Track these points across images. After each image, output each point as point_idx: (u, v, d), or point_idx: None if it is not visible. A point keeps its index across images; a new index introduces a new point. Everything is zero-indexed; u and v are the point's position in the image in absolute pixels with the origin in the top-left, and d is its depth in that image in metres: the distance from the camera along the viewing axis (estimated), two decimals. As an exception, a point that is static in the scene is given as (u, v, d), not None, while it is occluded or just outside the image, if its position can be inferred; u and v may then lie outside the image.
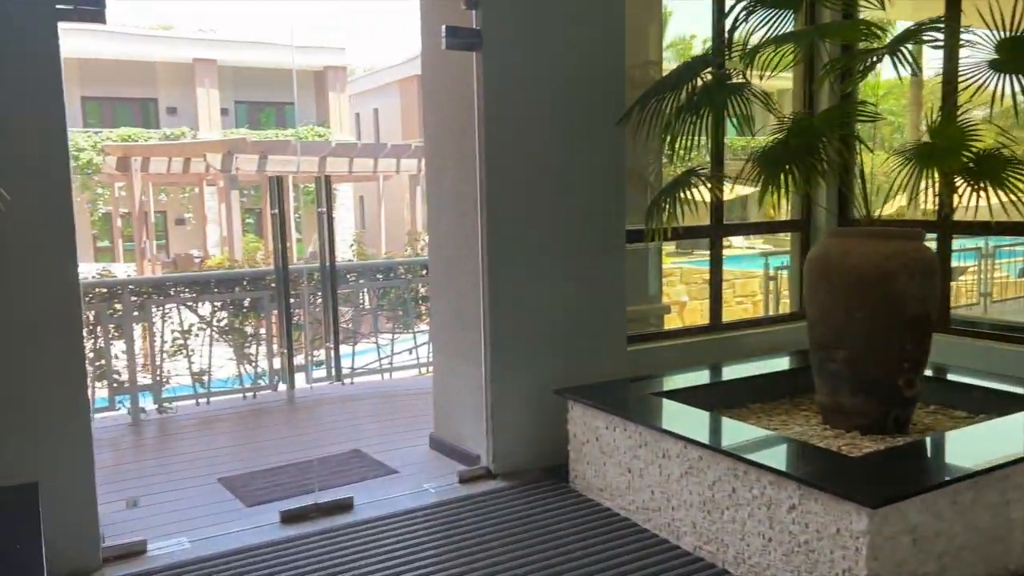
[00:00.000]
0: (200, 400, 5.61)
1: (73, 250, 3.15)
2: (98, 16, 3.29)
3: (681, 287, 9.21)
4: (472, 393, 4.21)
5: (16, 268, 3.04)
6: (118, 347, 5.35)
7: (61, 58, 3.28)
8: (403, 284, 6.28)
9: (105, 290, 5.24)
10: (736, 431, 3.51)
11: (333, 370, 5.32)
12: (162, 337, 5.43)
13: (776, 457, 3.16)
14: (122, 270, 13.64)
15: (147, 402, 5.42)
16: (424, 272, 6.40)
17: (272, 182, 3.88)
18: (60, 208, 3.13)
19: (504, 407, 4.10)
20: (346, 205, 28.36)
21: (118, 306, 5.30)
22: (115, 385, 5.26)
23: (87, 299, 5.26)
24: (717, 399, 4.09)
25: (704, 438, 3.26)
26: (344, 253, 23.99)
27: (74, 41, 23.39)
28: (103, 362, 5.21)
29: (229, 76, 26.14)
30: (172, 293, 5.49)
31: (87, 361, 5.39)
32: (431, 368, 6.59)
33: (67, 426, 3.15)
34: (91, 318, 5.27)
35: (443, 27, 3.89)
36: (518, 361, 4.11)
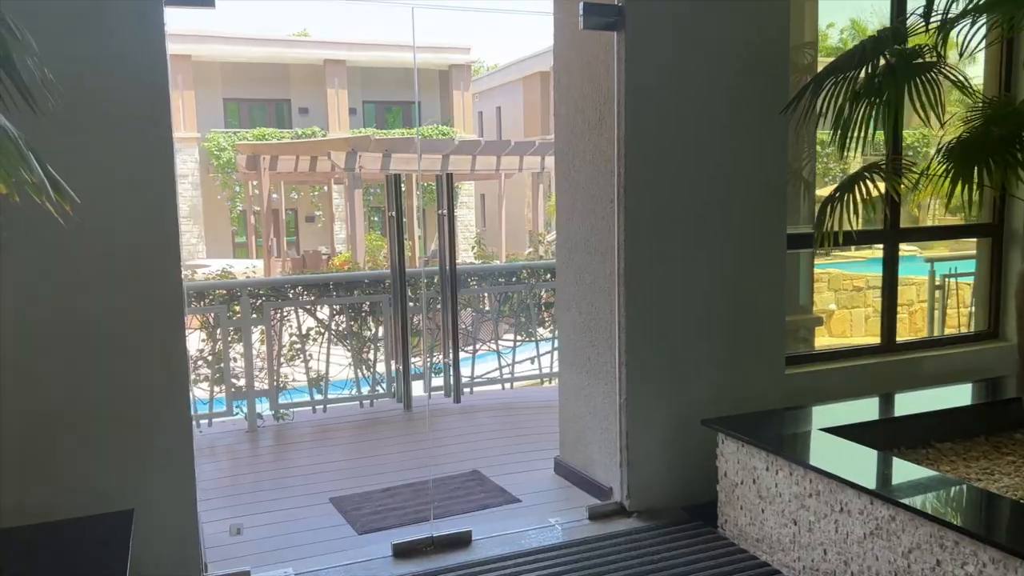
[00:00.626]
0: (316, 407, 5.41)
1: (177, 252, 2.91)
2: (207, 0, 3.03)
3: (829, 294, 8.38)
4: (603, 417, 3.75)
5: (118, 271, 2.81)
6: (236, 350, 5.21)
7: (167, 49, 3.03)
8: (526, 289, 5.88)
9: (225, 292, 5.12)
10: (935, 484, 2.87)
11: (452, 390, 4.96)
12: (279, 341, 5.26)
13: (997, 524, 2.52)
14: (246, 266, 14.01)
15: (264, 407, 5.26)
16: (548, 276, 5.98)
17: (389, 180, 3.54)
18: (163, 208, 2.89)
19: (641, 435, 3.61)
20: (467, 203, 28.44)
21: (237, 308, 5.15)
22: (233, 390, 5.11)
23: (207, 300, 5.14)
24: (898, 436, 3.44)
25: (896, 494, 2.66)
26: (465, 255, 24.05)
27: (217, 46, 24.50)
28: (222, 365, 5.08)
29: (358, 76, 26.70)
30: (291, 296, 5.31)
31: (206, 364, 5.32)
32: (555, 380, 6.17)
33: (168, 447, 2.91)
34: (211, 320, 5.14)
35: (580, 4, 3.43)
36: (658, 383, 3.61)
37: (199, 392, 5.12)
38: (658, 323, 3.59)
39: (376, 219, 26.62)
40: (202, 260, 18.38)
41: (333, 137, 9.20)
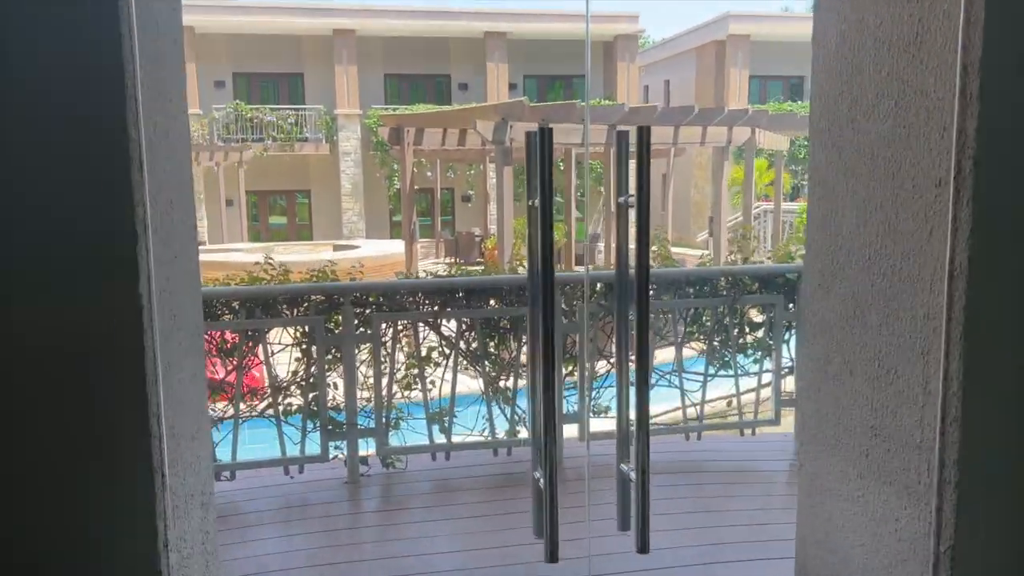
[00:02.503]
0: (437, 453, 4.09)
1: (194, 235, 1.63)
2: None
3: None
4: (891, 555, 2.13)
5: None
6: (336, 374, 3.98)
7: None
8: (724, 303, 4.27)
9: (323, 298, 3.89)
10: None
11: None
12: (392, 365, 3.98)
13: None
14: (363, 256, 13.13)
15: (370, 450, 4.01)
16: (756, 287, 4.34)
17: (534, 149, 2.11)
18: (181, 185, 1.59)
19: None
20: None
21: (339, 317, 3.91)
22: (330, 427, 3.89)
23: (301, 309, 3.93)
24: None
25: None
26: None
27: (381, 20, 24.07)
28: (316, 394, 3.86)
29: (519, 49, 25.53)
30: (408, 305, 4.01)
31: (299, 391, 4.11)
32: (760, 430, 4.53)
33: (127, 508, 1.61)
34: (304, 333, 3.93)
35: None
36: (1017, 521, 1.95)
37: (290, 431, 3.93)
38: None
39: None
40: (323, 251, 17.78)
41: (481, 105, 7.95)
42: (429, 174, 23.61)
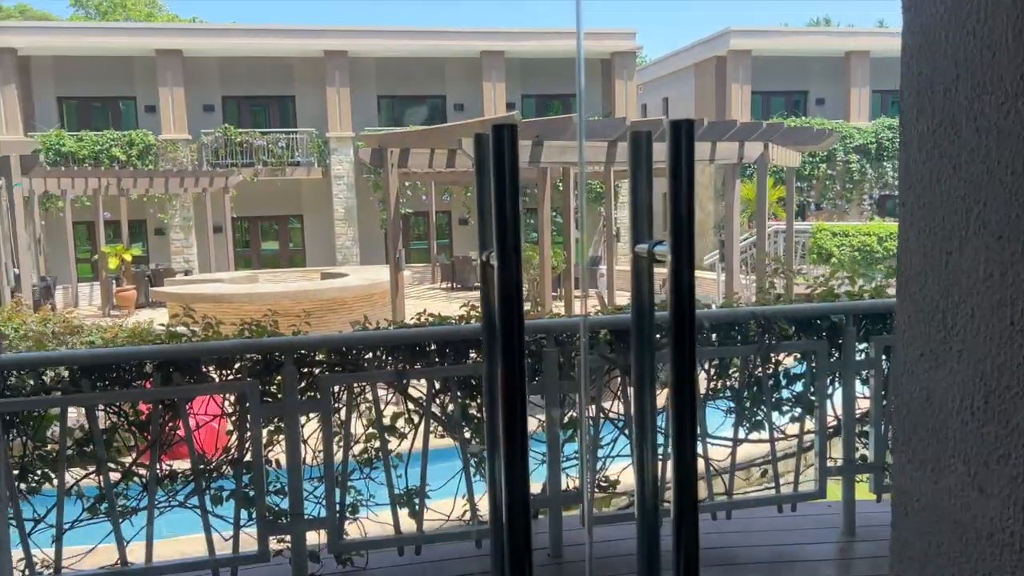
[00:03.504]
0: (406, 547, 3.30)
1: None
2: None
3: None
4: None
5: None
6: (276, 452, 3.21)
7: None
8: (756, 352, 3.49)
9: (258, 358, 3.13)
10: None
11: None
12: (347, 437, 3.20)
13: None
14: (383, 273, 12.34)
15: (321, 543, 3.23)
16: (793, 332, 3.57)
17: (486, 154, 1.49)
18: None
19: None
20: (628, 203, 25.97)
21: (279, 379, 3.14)
22: (269, 517, 3.11)
23: (233, 370, 3.16)
24: None
25: None
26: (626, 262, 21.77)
27: (369, 41, 23.49)
28: (252, 476, 3.08)
29: (517, 69, 24.96)
30: (366, 363, 3.24)
31: (230, 471, 3.28)
32: (801, 505, 3.74)
33: None
34: (232, 403, 3.17)
35: None
36: None
37: (219, 523, 3.15)
38: None
39: (532, 222, 24.71)
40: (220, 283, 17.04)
41: (469, 121, 7.24)
42: (424, 197, 22.94)
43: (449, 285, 20.83)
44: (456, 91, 25.30)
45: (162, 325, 3.82)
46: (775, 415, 3.68)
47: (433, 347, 3.33)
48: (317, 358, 3.23)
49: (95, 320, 16.19)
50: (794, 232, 11.28)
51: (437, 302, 17.46)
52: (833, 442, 3.67)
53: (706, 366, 3.58)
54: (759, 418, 3.62)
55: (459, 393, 3.35)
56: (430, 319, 3.43)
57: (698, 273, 19.28)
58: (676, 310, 1.27)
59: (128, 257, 17.16)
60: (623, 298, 15.63)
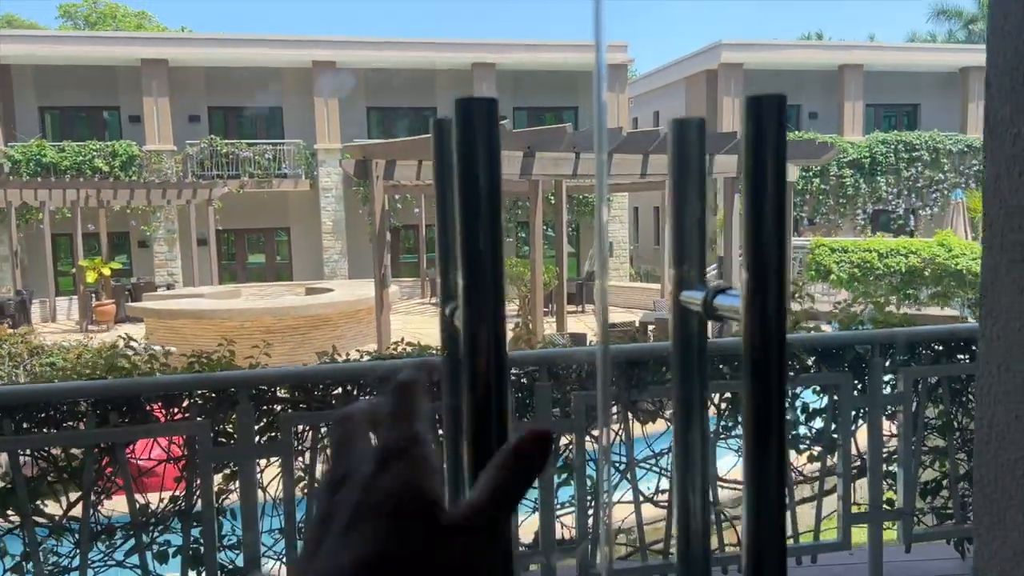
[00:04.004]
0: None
1: None
2: None
3: None
4: None
5: None
6: (231, 500, 2.81)
7: None
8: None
9: (211, 394, 2.73)
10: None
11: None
12: (312, 482, 2.81)
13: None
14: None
15: (282, 606, 2.83)
16: (811, 360, 3.20)
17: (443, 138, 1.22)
18: None
19: None
20: (619, 216, 25.69)
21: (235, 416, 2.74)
22: (223, 574, 2.71)
23: (179, 411, 2.76)
24: None
25: None
26: (618, 277, 20.99)
27: (357, 52, 23.17)
28: (200, 531, 2.68)
29: (509, 81, 24.69)
30: (334, 400, 2.86)
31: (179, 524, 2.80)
32: (819, 555, 3.36)
33: None
34: (180, 446, 2.77)
35: None
36: None
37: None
38: None
39: (523, 235, 24.37)
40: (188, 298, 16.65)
41: (456, 131, 6.96)
42: (415, 210, 22.56)
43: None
44: (447, 103, 24.96)
45: (135, 343, 3.42)
46: (792, 454, 3.31)
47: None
48: (278, 394, 2.84)
49: (72, 336, 15.71)
50: (793, 248, 10.94)
51: (424, 318, 17.06)
52: (859, 484, 3.31)
53: (716, 400, 3.21)
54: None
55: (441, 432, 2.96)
56: (408, 348, 3.05)
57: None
58: (758, 345, 0.88)
59: (107, 271, 16.68)
60: (625, 315, 15.21)
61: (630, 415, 3.05)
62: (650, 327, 10.28)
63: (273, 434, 2.81)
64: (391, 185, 18.60)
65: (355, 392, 2.90)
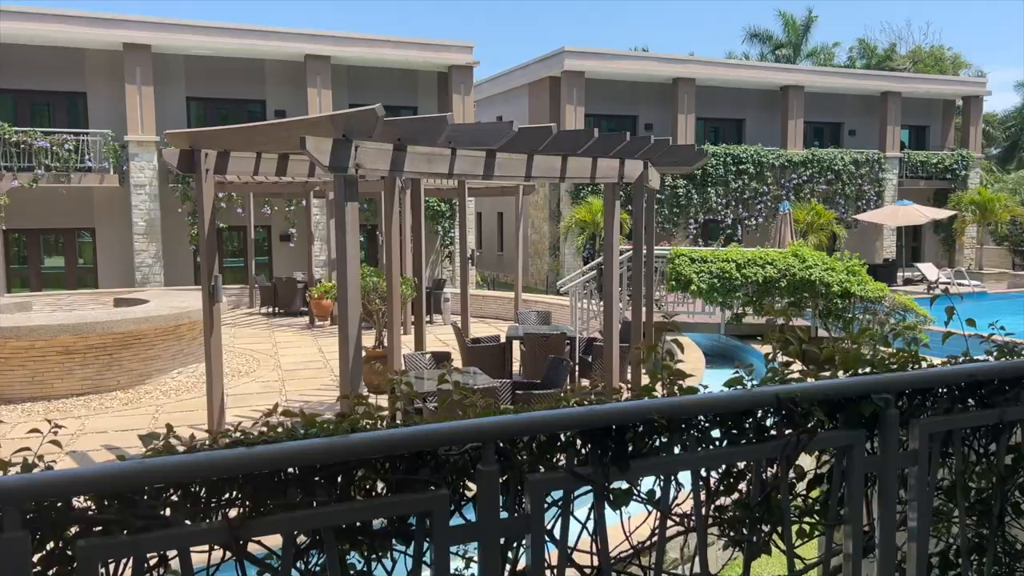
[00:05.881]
0: None
1: None
2: None
3: None
4: None
5: None
6: None
7: None
8: (780, 451, 2.39)
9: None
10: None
11: None
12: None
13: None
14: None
15: None
16: (814, 417, 2.50)
17: None
18: None
19: None
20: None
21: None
22: None
23: None
24: None
25: None
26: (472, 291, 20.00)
27: (176, 36, 20.93)
28: None
29: (344, 76, 23.27)
30: (170, 511, 1.80)
31: None
32: None
33: None
34: None
35: None
36: None
37: None
38: None
39: (362, 239, 23.05)
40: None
41: (312, 117, 5.79)
42: (240, 211, 20.68)
43: (270, 310, 18.75)
44: (277, 97, 23.22)
45: None
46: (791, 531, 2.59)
47: (294, 473, 1.93)
48: (71, 508, 1.74)
49: None
50: (653, 256, 10.63)
51: (254, 332, 15.31)
52: (871, 568, 2.64)
53: (703, 473, 2.43)
54: (769, 539, 2.52)
55: (337, 546, 1.97)
56: (287, 422, 2.03)
57: (549, 299, 18.43)
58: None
59: None
60: (481, 328, 14.17)
61: (604, 503, 2.20)
62: (517, 344, 9.52)
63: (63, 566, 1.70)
64: (217, 183, 16.74)
65: (205, 496, 1.85)
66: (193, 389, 10.00)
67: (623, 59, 26.93)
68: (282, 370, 11.48)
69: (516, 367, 9.92)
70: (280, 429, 1.92)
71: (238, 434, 1.91)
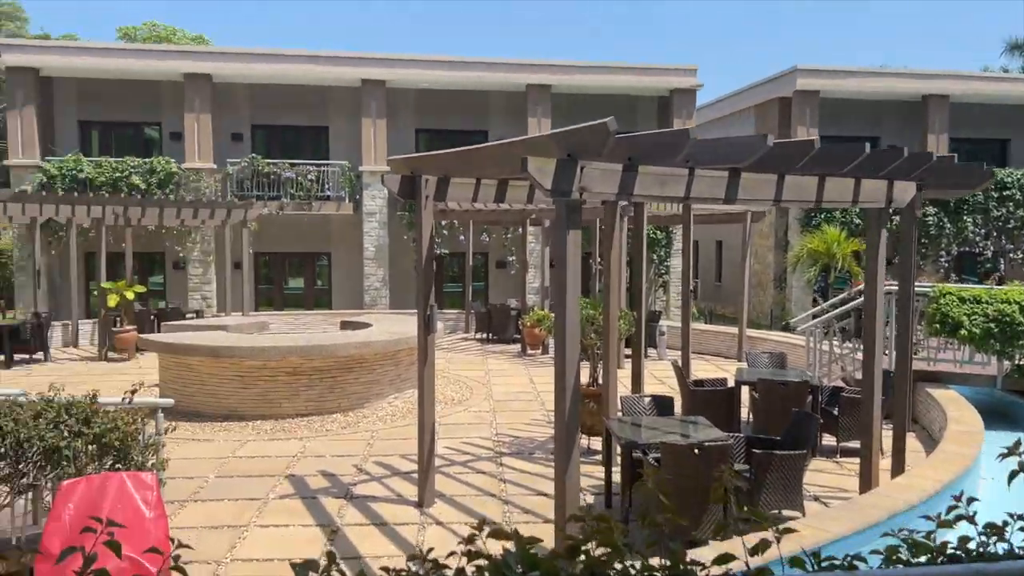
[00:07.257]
0: None
1: None
2: None
3: None
4: None
5: None
6: None
7: None
8: None
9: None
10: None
11: None
12: None
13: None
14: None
15: None
16: None
17: None
18: None
19: None
20: (679, 251, 23.88)
21: None
22: None
23: None
24: None
25: None
26: (673, 319, 18.91)
27: (408, 71, 21.93)
28: None
29: (564, 104, 23.20)
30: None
31: None
32: None
33: None
34: None
35: None
36: None
37: None
38: None
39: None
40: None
41: (532, 137, 5.42)
42: (461, 238, 21.12)
43: (484, 336, 18.83)
44: (499, 126, 23.61)
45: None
46: None
47: None
48: None
49: (93, 364, 14.44)
50: (914, 295, 9.08)
51: (467, 358, 15.19)
52: None
53: None
54: None
55: None
56: (496, 553, 1.42)
57: (775, 336, 16.78)
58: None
59: (130, 294, 15.40)
60: (701, 366, 12.94)
61: None
62: (750, 391, 8.49)
63: None
64: (439, 211, 17.12)
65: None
66: (407, 415, 9.96)
67: (863, 76, 24.60)
68: (493, 399, 11.22)
69: (743, 413, 8.89)
70: (483, 561, 1.32)
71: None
